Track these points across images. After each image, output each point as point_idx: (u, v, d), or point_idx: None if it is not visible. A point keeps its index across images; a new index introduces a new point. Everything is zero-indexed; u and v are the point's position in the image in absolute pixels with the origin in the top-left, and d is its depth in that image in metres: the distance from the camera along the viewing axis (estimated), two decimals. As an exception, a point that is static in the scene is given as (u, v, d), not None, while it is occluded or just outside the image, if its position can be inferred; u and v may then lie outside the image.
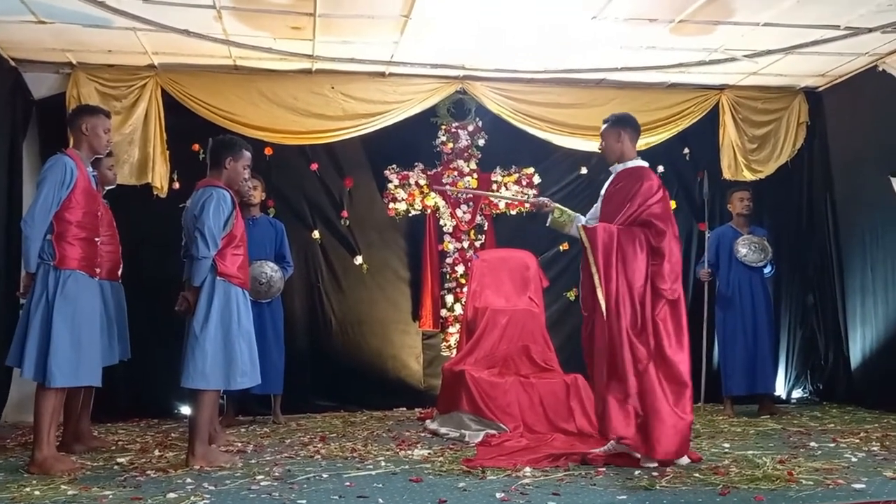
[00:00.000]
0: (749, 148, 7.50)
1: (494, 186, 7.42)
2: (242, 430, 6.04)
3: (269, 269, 6.23)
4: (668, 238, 4.48)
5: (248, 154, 4.82)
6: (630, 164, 4.76)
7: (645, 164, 4.82)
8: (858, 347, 7.02)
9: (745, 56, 6.48)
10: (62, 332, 4.39)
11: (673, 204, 7.52)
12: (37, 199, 4.45)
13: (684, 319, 4.52)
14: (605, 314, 4.40)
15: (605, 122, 4.88)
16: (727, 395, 6.68)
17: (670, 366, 4.40)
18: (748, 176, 7.42)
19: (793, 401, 7.52)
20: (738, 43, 6.30)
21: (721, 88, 7.49)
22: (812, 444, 5.05)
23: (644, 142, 7.38)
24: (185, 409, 6.31)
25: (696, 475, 4.08)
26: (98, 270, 4.70)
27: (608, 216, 4.67)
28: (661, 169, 7.59)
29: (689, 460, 4.45)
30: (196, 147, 6.84)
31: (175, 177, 6.80)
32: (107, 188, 5.42)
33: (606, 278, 4.42)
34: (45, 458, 4.36)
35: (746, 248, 6.73)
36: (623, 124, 4.78)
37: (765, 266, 6.77)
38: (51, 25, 5.82)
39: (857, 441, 5.12)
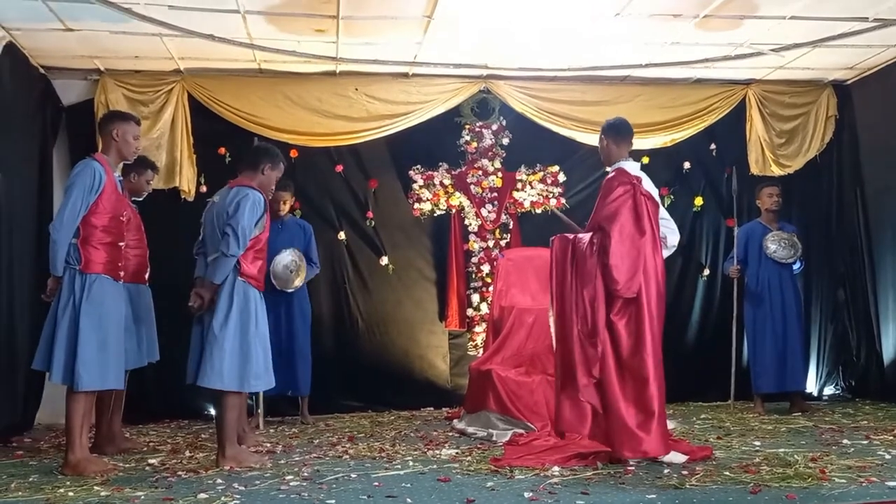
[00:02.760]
0: (777, 143, 7.43)
1: (519, 185, 7.41)
2: (271, 430, 6.08)
3: (291, 255, 6.24)
4: (614, 237, 4.44)
5: (283, 167, 4.94)
6: (615, 166, 4.78)
7: (625, 165, 4.74)
8: (891, 343, 6.91)
9: (772, 50, 6.42)
10: (89, 335, 4.43)
11: (700, 200, 7.54)
12: (65, 204, 4.49)
13: (643, 317, 4.42)
14: (552, 323, 4.64)
15: None
16: (757, 392, 6.62)
17: (627, 366, 4.42)
18: (776, 171, 7.35)
19: (825, 398, 7.43)
20: (764, 37, 6.23)
21: (747, 83, 7.42)
22: (845, 441, 4.99)
23: (670, 138, 7.39)
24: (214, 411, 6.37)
25: (727, 473, 4.04)
26: (122, 274, 4.73)
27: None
28: (687, 165, 7.55)
29: (682, 458, 4.40)
30: (222, 150, 6.91)
31: (202, 180, 6.86)
32: (135, 198, 5.49)
33: (559, 287, 4.59)
34: (78, 459, 4.42)
35: (776, 245, 6.66)
36: (606, 129, 4.85)
37: (794, 262, 6.69)
38: (78, 32, 5.90)
39: (891, 438, 5.04)
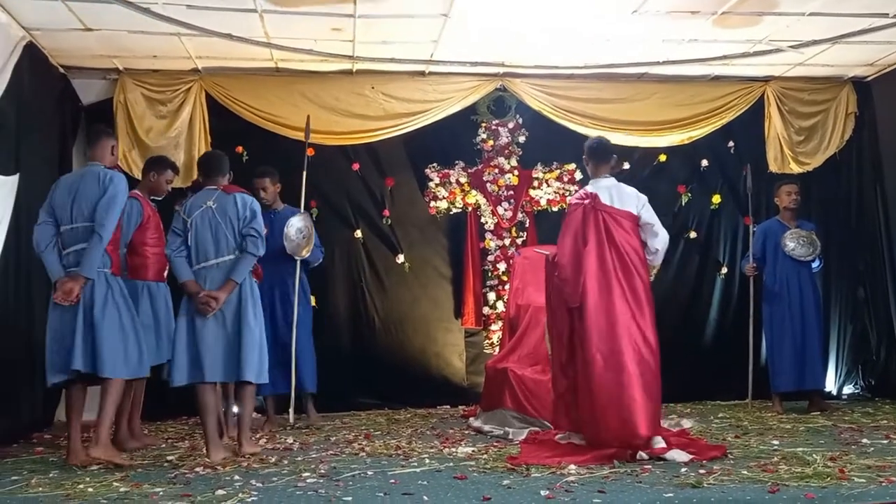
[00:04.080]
0: (796, 140, 7.37)
1: (535, 183, 7.40)
2: (288, 427, 6.10)
3: (303, 220, 6.10)
4: (560, 252, 4.89)
5: None
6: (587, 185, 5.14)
7: (591, 184, 5.01)
8: (911, 342, 6.86)
9: (791, 47, 6.37)
10: (130, 331, 4.73)
11: (718, 198, 7.50)
12: (114, 210, 4.67)
13: (584, 323, 4.69)
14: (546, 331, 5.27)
15: None
16: (776, 391, 6.57)
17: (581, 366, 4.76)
18: (795, 168, 7.30)
19: (844, 397, 7.37)
20: (783, 34, 6.19)
21: (766, 80, 7.37)
22: (864, 440, 4.94)
23: (687, 135, 7.36)
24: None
25: (745, 472, 4.02)
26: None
27: None
28: (705, 163, 7.52)
29: (686, 456, 4.40)
30: (240, 149, 6.94)
31: (220, 179, 6.90)
32: (153, 197, 5.55)
33: (547, 296, 5.14)
34: (107, 445, 4.68)
35: (794, 242, 6.61)
36: (586, 150, 5.12)
37: (813, 260, 6.64)
38: (98, 32, 5.95)
39: (911, 438, 5.00)
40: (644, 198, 4.99)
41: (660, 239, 4.94)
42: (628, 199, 4.92)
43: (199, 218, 4.77)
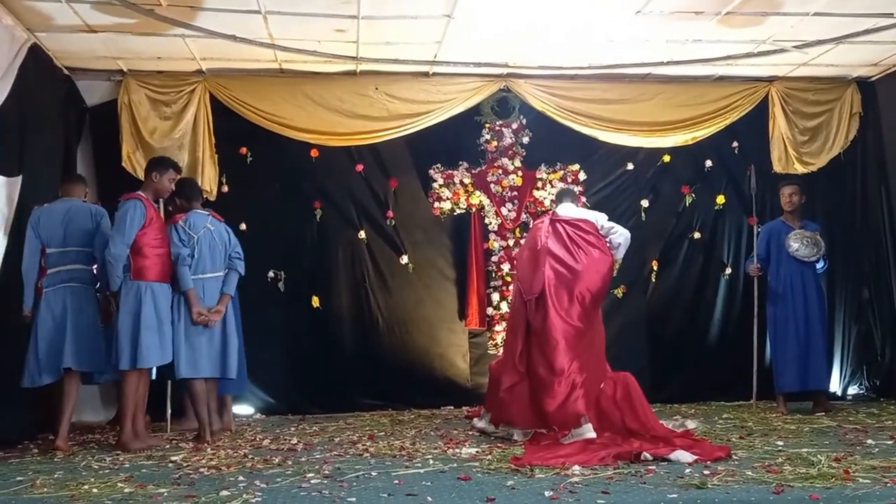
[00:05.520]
0: (800, 140, 7.36)
1: (539, 184, 7.40)
2: (292, 428, 6.10)
3: None
4: (519, 258, 5.94)
5: None
6: None
7: (555, 209, 5.97)
8: (917, 342, 6.84)
9: (795, 47, 6.36)
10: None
11: (722, 198, 7.50)
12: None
13: (547, 312, 5.32)
14: None
15: None
16: (780, 391, 6.56)
17: (543, 352, 5.37)
18: (799, 168, 7.28)
19: (848, 397, 7.36)
20: (787, 34, 6.18)
21: (770, 80, 7.36)
22: (869, 441, 4.94)
23: (692, 136, 7.35)
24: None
25: (749, 473, 4.02)
26: None
27: None
28: (709, 163, 7.51)
29: (690, 457, 4.41)
30: (244, 150, 6.96)
31: (224, 180, 6.91)
32: (157, 198, 5.57)
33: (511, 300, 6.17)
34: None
35: (798, 243, 6.59)
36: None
37: (817, 261, 6.62)
38: (102, 34, 5.96)
39: (916, 438, 4.99)
40: (603, 215, 5.76)
41: (619, 234, 5.61)
42: (585, 213, 5.80)
43: (203, 236, 5.49)
